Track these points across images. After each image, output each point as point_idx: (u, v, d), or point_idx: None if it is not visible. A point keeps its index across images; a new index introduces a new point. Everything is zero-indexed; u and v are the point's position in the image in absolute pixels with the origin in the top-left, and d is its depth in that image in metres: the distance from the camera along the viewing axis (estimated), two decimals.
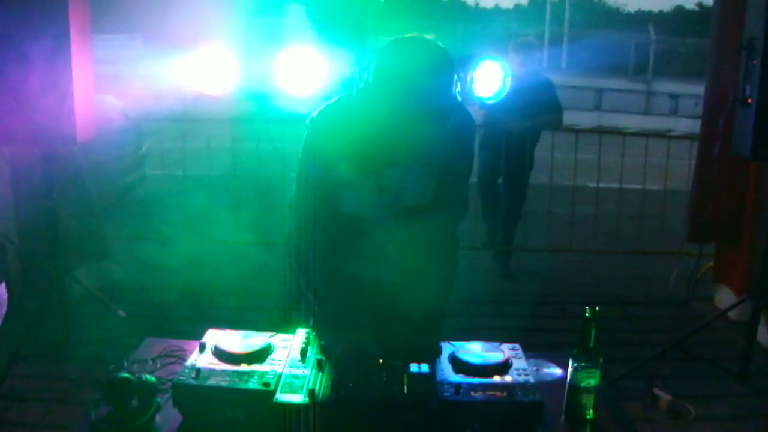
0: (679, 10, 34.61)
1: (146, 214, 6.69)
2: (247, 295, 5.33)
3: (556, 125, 6.09)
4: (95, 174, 5.52)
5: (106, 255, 5.38)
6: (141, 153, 7.91)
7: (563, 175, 6.87)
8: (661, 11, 35.24)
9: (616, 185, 6.64)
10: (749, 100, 3.75)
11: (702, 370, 4.46)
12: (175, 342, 2.42)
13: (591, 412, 2.02)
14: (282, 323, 2.48)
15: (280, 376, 1.96)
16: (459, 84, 2.10)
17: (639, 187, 6.81)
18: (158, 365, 2.26)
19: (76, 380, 3.83)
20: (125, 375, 1.96)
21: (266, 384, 1.90)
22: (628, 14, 36.46)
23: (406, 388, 1.89)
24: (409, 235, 2.35)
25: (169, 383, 2.00)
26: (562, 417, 2.04)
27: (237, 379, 1.93)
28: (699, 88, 6.37)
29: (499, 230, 6.20)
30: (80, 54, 3.71)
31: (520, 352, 2.21)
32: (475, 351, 2.13)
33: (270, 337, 2.22)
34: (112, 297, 4.86)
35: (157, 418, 1.97)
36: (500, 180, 6.07)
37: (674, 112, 19.66)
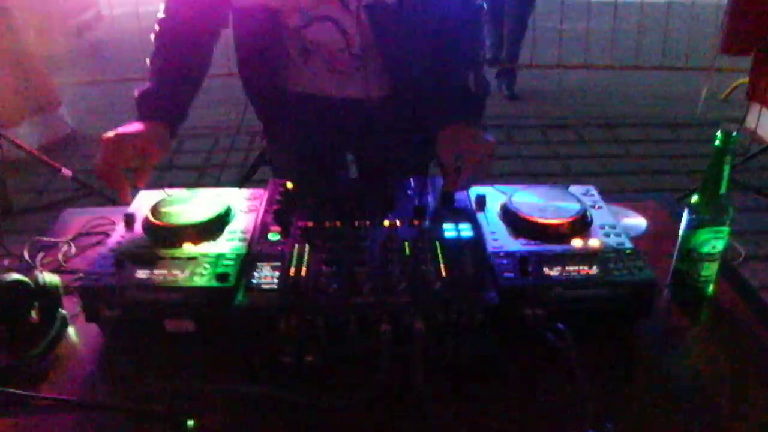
0: None
1: (103, 57, 5.90)
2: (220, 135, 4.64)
3: None
4: (38, 16, 4.75)
5: (55, 106, 4.65)
6: None
7: None
8: None
9: None
10: None
11: (747, 203, 3.86)
12: (102, 212, 1.73)
13: (712, 287, 1.37)
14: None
15: (243, 259, 1.27)
16: None
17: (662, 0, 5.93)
18: (73, 251, 1.57)
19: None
20: (16, 277, 1.26)
21: (222, 277, 1.21)
22: None
23: (442, 267, 1.21)
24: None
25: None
26: (665, 292, 1.39)
27: (178, 271, 1.23)
28: None
29: (503, 45, 5.40)
30: None
31: (597, 197, 1.52)
32: (537, 200, 1.43)
33: (230, 195, 1.52)
34: (63, 153, 4.18)
35: (69, 336, 1.30)
36: None
37: None
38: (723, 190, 1.28)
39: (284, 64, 1.70)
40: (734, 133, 1.24)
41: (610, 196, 1.56)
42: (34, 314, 1.28)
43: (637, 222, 1.65)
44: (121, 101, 4.63)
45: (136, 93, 1.58)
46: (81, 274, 1.27)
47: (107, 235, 1.61)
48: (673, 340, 1.28)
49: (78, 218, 1.74)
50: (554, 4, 5.77)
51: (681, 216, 1.35)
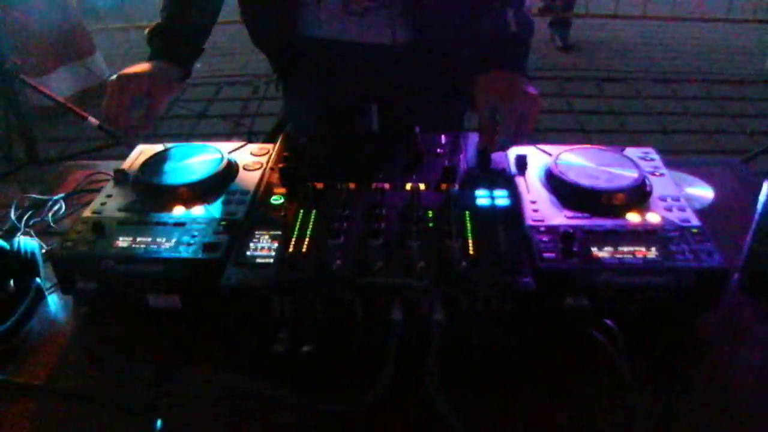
0: None
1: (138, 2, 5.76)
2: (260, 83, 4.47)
3: None
4: None
5: (89, 53, 4.55)
6: None
7: None
8: None
9: None
10: None
11: None
12: (103, 166, 1.58)
13: None
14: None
15: (239, 226, 1.09)
16: None
17: None
18: (62, 210, 1.41)
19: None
20: None
21: (211, 247, 1.03)
22: None
23: (470, 243, 1.01)
24: None
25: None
26: (735, 279, 1.18)
27: (163, 239, 1.06)
28: None
29: None
30: None
31: (658, 161, 1.30)
32: (587, 164, 1.22)
33: (234, 150, 1.34)
34: (97, 101, 4.05)
35: (46, 310, 1.15)
36: None
37: None
38: None
39: (295, 7, 1.50)
40: None
41: (669, 158, 1.34)
42: (11, 285, 1.13)
43: (703, 192, 1.43)
44: None
45: (146, 30, 1.46)
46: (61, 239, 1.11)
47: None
48: (744, 339, 1.07)
49: (77, 172, 1.59)
50: None
51: (757, 186, 1.14)
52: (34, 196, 1.48)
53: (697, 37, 5.29)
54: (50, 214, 1.42)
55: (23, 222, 1.39)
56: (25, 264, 1.15)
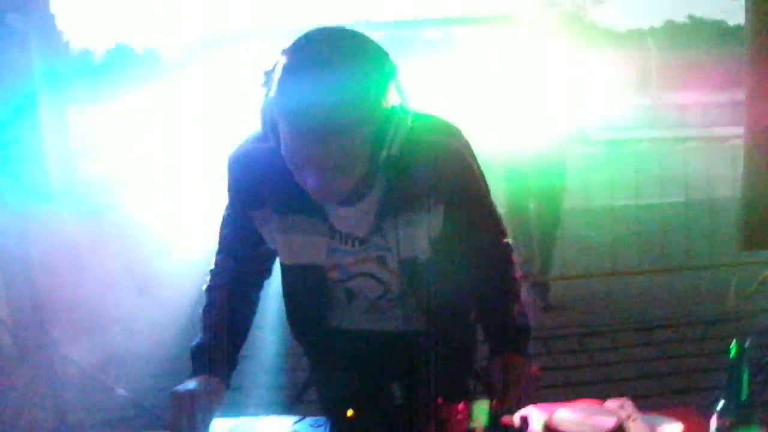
0: (669, 25, 34.15)
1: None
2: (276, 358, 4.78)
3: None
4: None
5: (110, 325, 4.87)
6: None
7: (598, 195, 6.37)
8: (652, 27, 34.67)
9: (656, 201, 6.11)
10: None
11: None
12: None
13: None
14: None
15: None
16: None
17: (682, 200, 6.29)
18: None
19: None
20: None
21: None
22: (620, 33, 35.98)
23: None
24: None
25: None
26: None
27: None
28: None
29: (534, 259, 5.65)
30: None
31: (632, 410, 1.66)
32: (577, 417, 1.58)
33: (297, 422, 1.68)
34: (118, 368, 4.34)
35: None
36: (531, 204, 5.56)
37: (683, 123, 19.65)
38: (744, 396, 1.43)
39: (330, 305, 1.89)
40: (746, 340, 1.41)
41: (646, 402, 1.70)
42: None
43: (672, 429, 1.77)
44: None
45: (193, 344, 1.77)
46: None
47: None
48: None
49: None
50: (579, 213, 6.13)
51: None
52: None
53: (662, 285, 5.80)
54: None
55: None
56: None
